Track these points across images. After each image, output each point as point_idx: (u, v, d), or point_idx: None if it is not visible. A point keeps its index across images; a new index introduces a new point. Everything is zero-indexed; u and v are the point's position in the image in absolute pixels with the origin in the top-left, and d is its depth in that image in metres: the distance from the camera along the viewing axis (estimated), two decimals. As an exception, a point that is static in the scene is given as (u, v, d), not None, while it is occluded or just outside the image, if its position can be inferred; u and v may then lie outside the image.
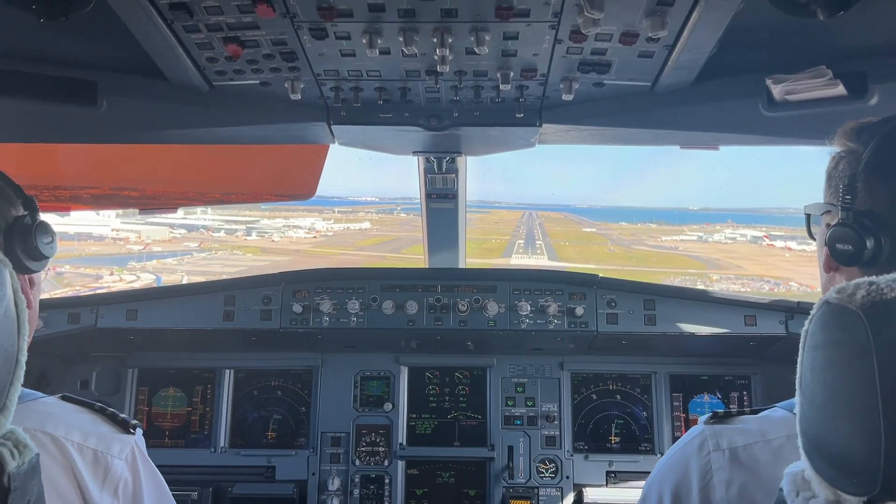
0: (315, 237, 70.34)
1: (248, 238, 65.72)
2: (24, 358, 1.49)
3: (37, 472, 1.44)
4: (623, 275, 4.46)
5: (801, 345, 1.36)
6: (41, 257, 1.93)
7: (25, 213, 1.92)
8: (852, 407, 1.21)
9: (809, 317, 1.34)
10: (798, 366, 1.36)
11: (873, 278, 1.26)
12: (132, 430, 2.00)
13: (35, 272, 1.98)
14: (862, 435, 1.19)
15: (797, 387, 1.36)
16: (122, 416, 2.02)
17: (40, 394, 1.93)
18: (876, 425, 1.16)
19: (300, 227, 73.10)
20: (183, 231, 62.76)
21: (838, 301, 1.26)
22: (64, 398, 1.98)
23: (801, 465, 1.35)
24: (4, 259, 1.45)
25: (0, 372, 1.40)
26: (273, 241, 65.66)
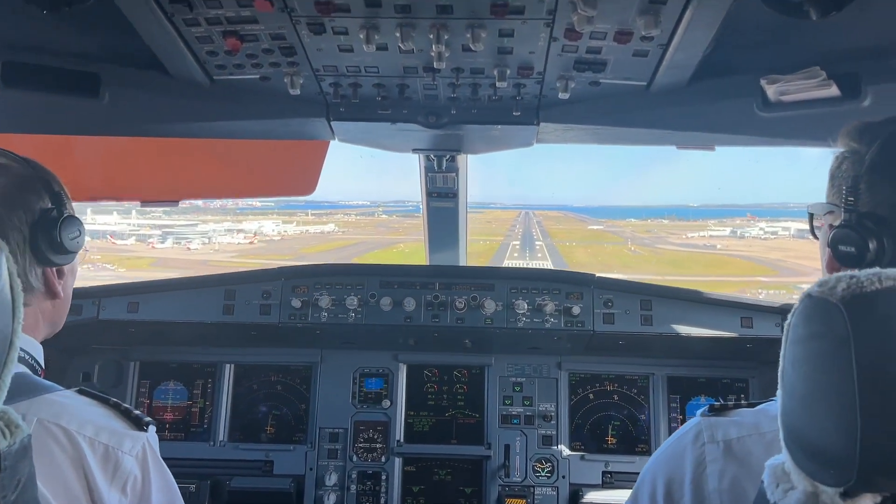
0: (252, 243, 64.71)
1: (158, 246, 60.22)
2: (18, 340, 1.51)
3: (28, 452, 1.46)
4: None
5: (783, 338, 1.37)
6: (65, 251, 1.98)
7: (53, 206, 1.97)
8: (830, 399, 1.22)
9: (792, 310, 1.35)
10: (780, 359, 1.37)
11: (855, 272, 1.27)
12: (145, 428, 2.01)
13: (59, 265, 2.02)
14: (839, 427, 1.20)
15: (779, 380, 1.38)
16: (136, 412, 2.03)
17: (57, 386, 1.94)
18: (853, 418, 1.17)
19: (244, 231, 67.13)
20: (87, 238, 58.58)
21: (819, 294, 1.27)
22: (80, 392, 1.99)
23: (782, 457, 1.36)
24: (0, 242, 1.47)
25: None
26: (189, 248, 60.15)
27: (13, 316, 1.50)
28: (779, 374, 1.38)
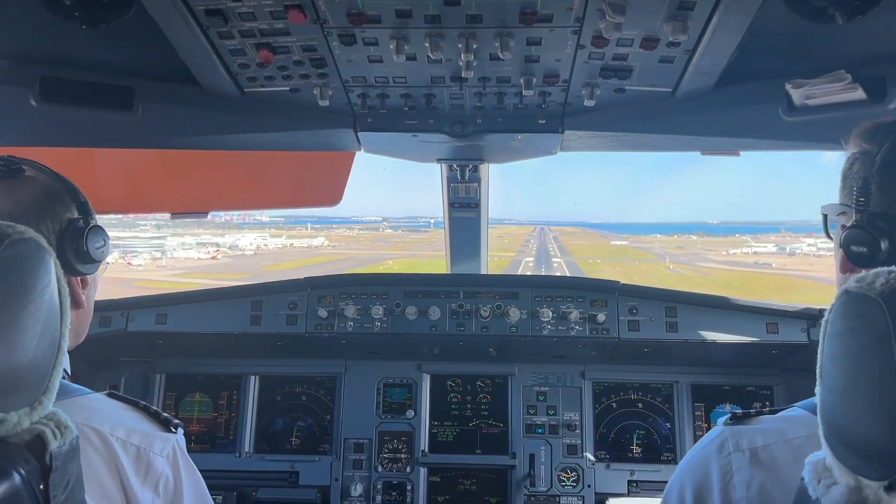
0: (214, 258, 61.92)
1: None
2: (66, 344, 1.55)
3: (77, 453, 1.49)
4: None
5: (821, 334, 1.38)
6: (91, 260, 2.03)
7: (79, 216, 2.02)
8: (871, 393, 1.23)
9: (829, 307, 1.36)
10: (818, 355, 1.38)
11: (893, 267, 1.28)
12: (174, 430, 2.05)
13: (85, 274, 2.06)
14: (881, 420, 1.20)
15: (818, 376, 1.38)
16: (165, 415, 2.06)
17: (88, 389, 1.99)
18: (894, 410, 1.18)
19: (219, 245, 63.84)
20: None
21: (857, 289, 1.28)
22: (110, 395, 2.04)
23: (822, 453, 1.36)
24: (48, 248, 1.51)
25: (45, 355, 1.46)
26: (130, 264, 57.57)
27: (61, 320, 1.54)
28: (817, 370, 1.39)
